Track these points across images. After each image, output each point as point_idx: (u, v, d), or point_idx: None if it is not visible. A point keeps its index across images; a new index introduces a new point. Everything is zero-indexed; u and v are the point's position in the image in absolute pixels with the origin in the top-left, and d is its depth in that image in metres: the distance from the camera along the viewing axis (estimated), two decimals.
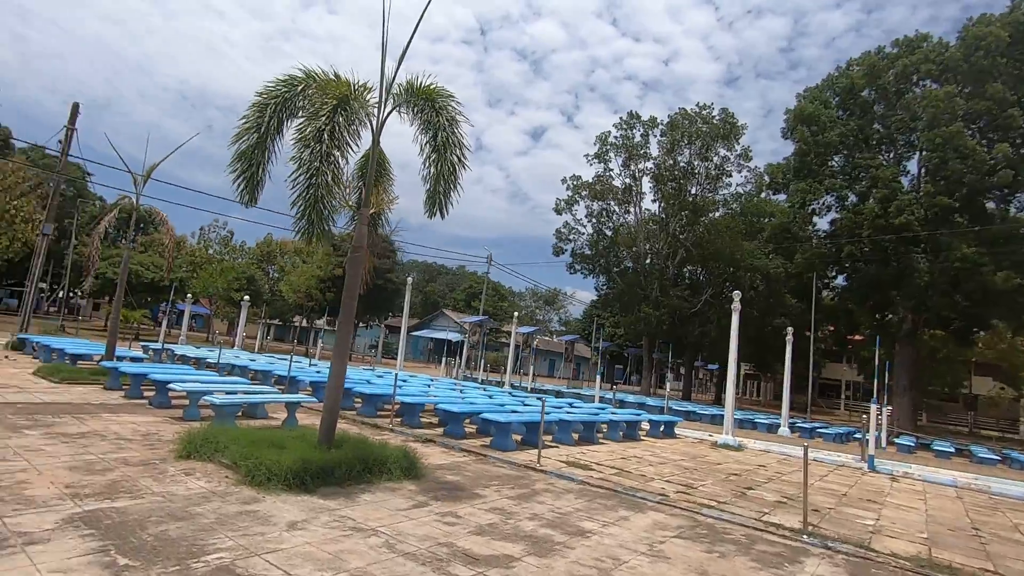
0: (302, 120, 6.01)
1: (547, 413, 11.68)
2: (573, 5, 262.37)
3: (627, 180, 40.15)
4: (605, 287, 44.09)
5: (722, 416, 22.74)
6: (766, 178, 38.10)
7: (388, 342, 59.94)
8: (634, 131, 39.87)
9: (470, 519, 5.48)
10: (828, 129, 29.46)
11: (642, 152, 39.70)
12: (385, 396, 11.78)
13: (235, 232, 58.15)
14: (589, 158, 40.17)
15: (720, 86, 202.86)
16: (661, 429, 14.86)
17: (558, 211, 40.71)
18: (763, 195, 40.22)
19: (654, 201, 40.07)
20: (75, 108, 17.80)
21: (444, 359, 28.26)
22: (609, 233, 40.33)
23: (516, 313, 27.64)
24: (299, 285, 33.62)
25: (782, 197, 37.77)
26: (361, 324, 47.56)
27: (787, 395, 20.86)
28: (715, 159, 38.42)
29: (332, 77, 6.33)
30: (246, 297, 23.27)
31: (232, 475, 5.96)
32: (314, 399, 9.99)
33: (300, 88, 6.43)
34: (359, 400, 12.39)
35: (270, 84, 6.43)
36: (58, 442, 6.47)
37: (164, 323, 23.71)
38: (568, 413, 12.15)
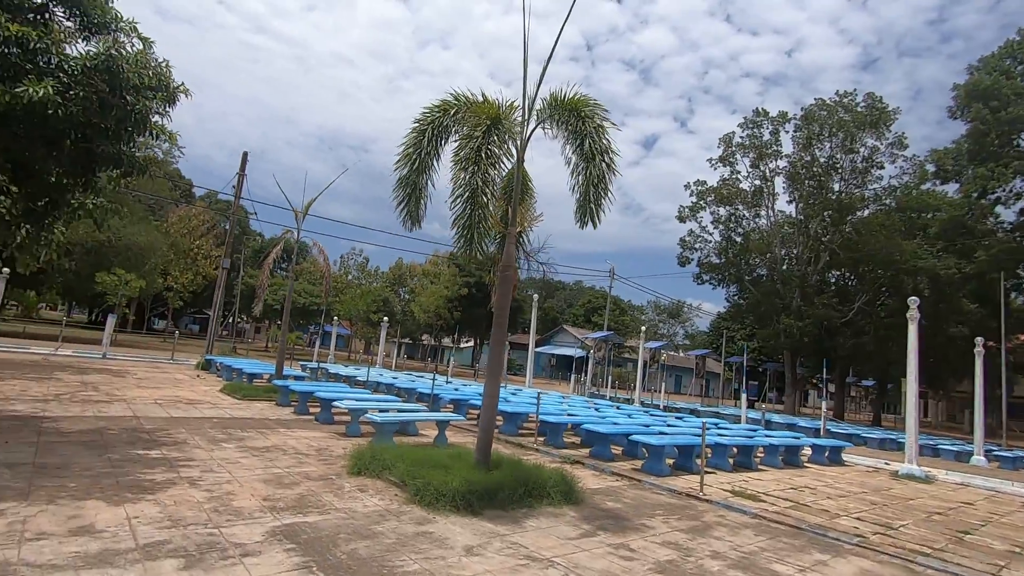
0: (457, 143, 6.14)
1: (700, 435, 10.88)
2: (682, 7, 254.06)
3: (756, 182, 37.41)
4: (736, 297, 41.20)
5: (893, 440, 19.88)
6: (929, 167, 33.35)
7: (511, 358, 61.17)
8: (762, 129, 37.11)
9: (646, 554, 5.06)
10: (1012, 103, 25.07)
11: (772, 150, 36.80)
12: (525, 414, 11.72)
13: (369, 258, 63.05)
14: (713, 162, 38.07)
15: (855, 71, 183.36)
16: (826, 455, 13.19)
17: (681, 219, 38.92)
18: (925, 187, 35.18)
19: (789, 202, 36.87)
20: (244, 157, 20.36)
21: (572, 376, 27.89)
22: (739, 239, 37.71)
23: (643, 328, 26.60)
24: (429, 305, 35.39)
25: (952, 187, 32.81)
26: (485, 342, 48.84)
27: (980, 418, 17.67)
28: (862, 151, 34.46)
29: (481, 99, 6.42)
30: (385, 319, 24.89)
31: (401, 493, 6.10)
32: (460, 417, 10.15)
33: (453, 112, 6.61)
34: (499, 418, 12.44)
35: (426, 110, 6.69)
36: (250, 455, 7.11)
37: (317, 344, 26.03)
38: (720, 435, 11.20)
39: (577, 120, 6.42)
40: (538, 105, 6.84)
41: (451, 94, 6.67)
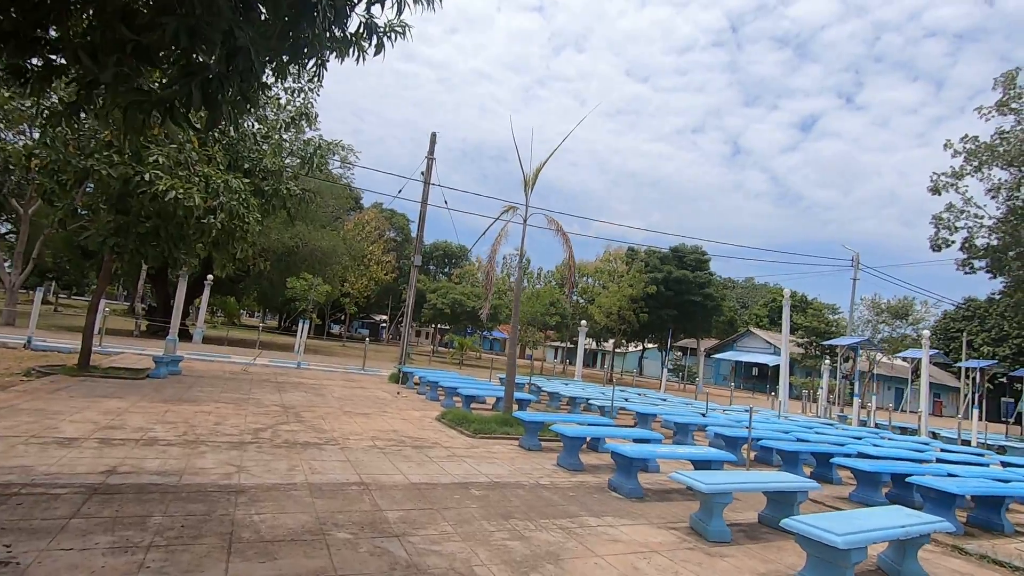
0: None
1: None
2: None
3: None
4: (1003, 292, 30.96)
5: None
6: None
7: (681, 365, 54.33)
8: None
9: None
10: None
11: None
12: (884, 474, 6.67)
13: (531, 259, 60.58)
14: (984, 111, 28.63)
15: None
16: None
17: (935, 190, 29.96)
18: None
19: None
20: (433, 137, 17.78)
21: (822, 394, 21.47)
22: None
23: (926, 330, 19.49)
24: (611, 307, 31.04)
25: None
26: (652, 346, 43.23)
27: None
28: None
29: None
30: (584, 322, 21.16)
31: None
32: (815, 485, 5.41)
33: None
34: (844, 473, 7.54)
35: None
36: None
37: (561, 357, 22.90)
38: None
39: None
40: None
41: None
